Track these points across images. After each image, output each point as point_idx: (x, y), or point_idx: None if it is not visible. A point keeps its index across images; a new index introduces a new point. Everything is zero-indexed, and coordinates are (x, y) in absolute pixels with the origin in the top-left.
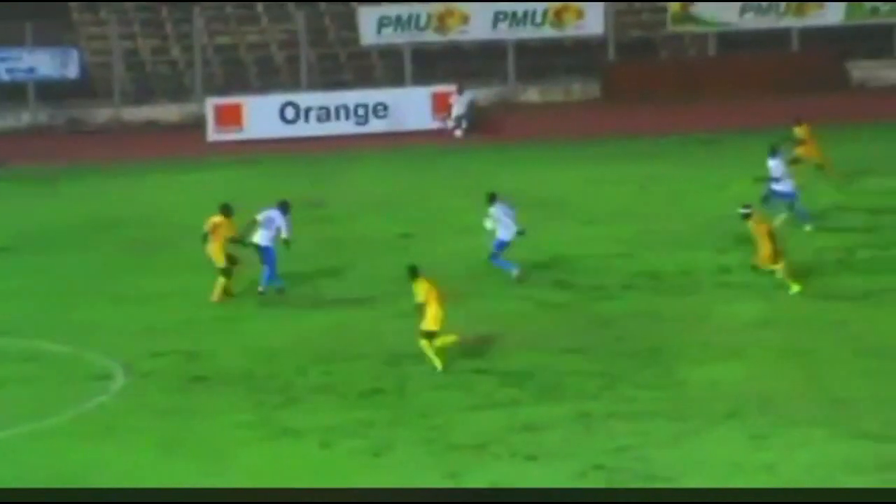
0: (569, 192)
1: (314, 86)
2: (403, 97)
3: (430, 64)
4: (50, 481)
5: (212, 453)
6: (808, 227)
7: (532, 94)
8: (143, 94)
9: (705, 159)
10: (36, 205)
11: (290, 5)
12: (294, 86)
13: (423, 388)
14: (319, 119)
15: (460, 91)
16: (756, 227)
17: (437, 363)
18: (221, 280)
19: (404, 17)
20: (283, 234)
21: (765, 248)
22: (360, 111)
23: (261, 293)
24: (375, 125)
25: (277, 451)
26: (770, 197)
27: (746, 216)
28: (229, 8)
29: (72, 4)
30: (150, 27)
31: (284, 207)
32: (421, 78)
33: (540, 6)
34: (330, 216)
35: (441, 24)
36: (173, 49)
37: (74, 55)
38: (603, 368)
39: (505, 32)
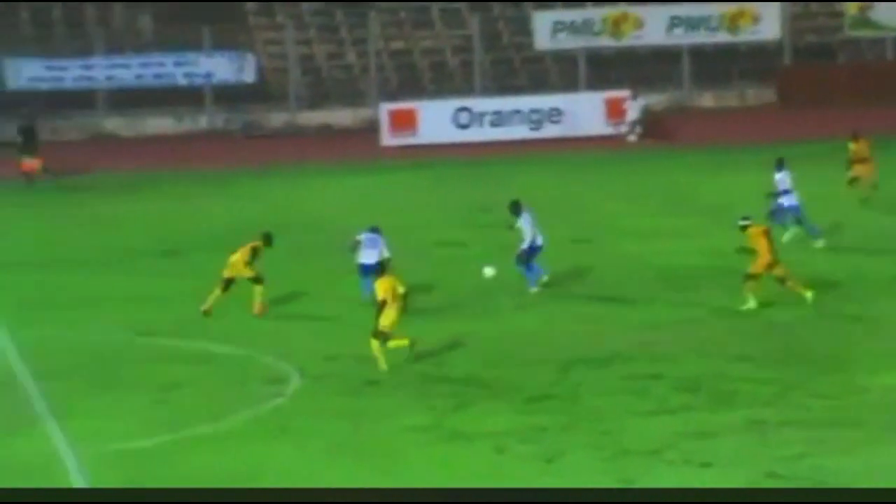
0: (741, 198)
1: (488, 90)
2: (577, 102)
3: (604, 69)
4: (224, 482)
5: (384, 456)
6: (819, 244)
7: (706, 100)
8: (318, 98)
9: (883, 164)
10: (209, 207)
11: (465, 10)
12: (467, 90)
13: (596, 393)
14: (493, 124)
15: (634, 96)
16: (754, 237)
17: (383, 364)
18: (259, 288)
19: (579, 21)
20: (385, 254)
21: (763, 258)
22: (534, 116)
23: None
24: (549, 130)
25: (449, 456)
26: (778, 212)
27: (744, 227)
28: (404, 13)
29: (249, 9)
30: (326, 32)
31: (378, 230)
32: (595, 83)
33: (715, 11)
34: (500, 221)
35: (615, 28)
36: (348, 54)
37: (251, 60)
38: (776, 375)
39: (680, 37)
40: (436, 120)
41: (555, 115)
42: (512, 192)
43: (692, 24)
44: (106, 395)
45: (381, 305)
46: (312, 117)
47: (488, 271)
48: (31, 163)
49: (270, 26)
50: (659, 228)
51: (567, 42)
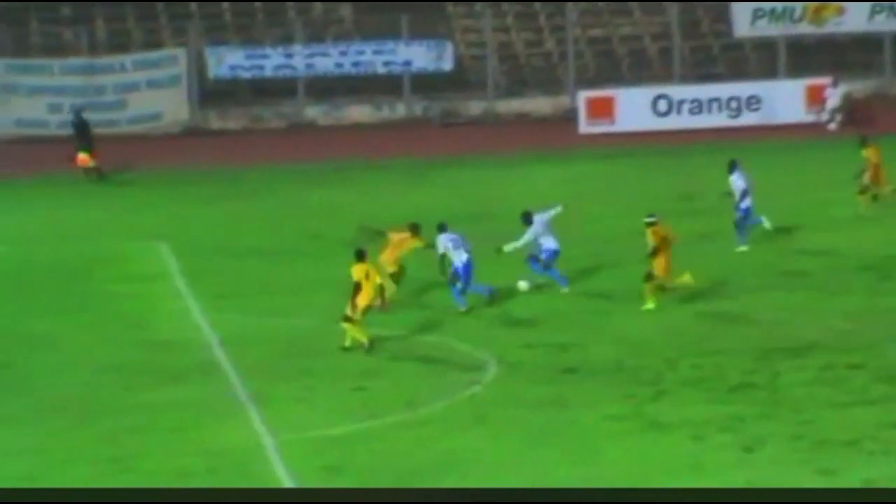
0: None
1: (686, 78)
2: (776, 90)
3: (804, 56)
4: (420, 470)
5: (581, 445)
6: (743, 248)
7: None
8: (516, 86)
9: None
10: (407, 195)
11: None
12: (666, 78)
13: (794, 383)
14: (692, 112)
15: (835, 84)
16: (655, 237)
17: (348, 342)
18: (391, 285)
19: (779, 9)
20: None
21: (662, 260)
22: (733, 104)
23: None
24: (748, 118)
25: (647, 444)
26: (744, 218)
27: (651, 224)
28: (602, 1)
29: None
30: (524, 20)
31: (444, 226)
32: (794, 70)
33: None
34: (700, 209)
35: (816, 15)
36: (547, 41)
37: (449, 48)
38: None
39: (882, 24)
40: (634, 108)
41: (753, 102)
42: (711, 181)
43: (895, 11)
44: (304, 383)
45: (356, 289)
46: (510, 105)
47: (522, 285)
48: (85, 158)
49: (468, 14)
50: (861, 217)
51: (767, 29)
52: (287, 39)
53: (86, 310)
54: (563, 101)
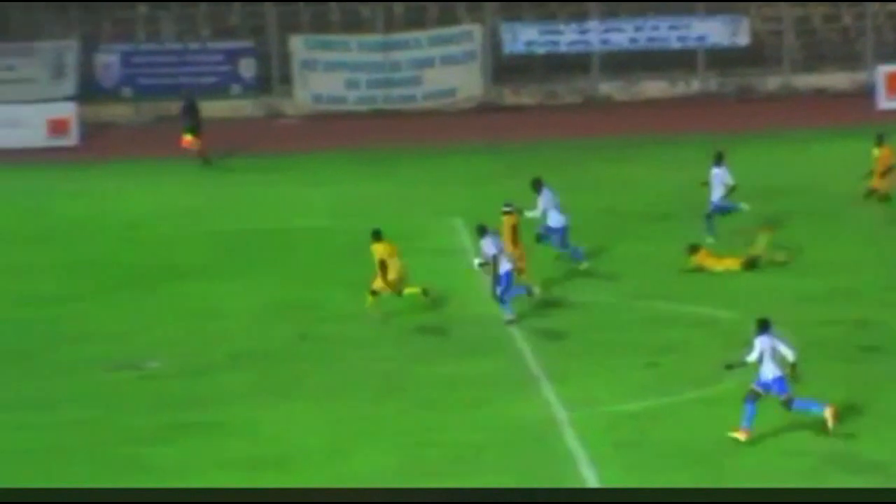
0: None
1: None
2: None
3: None
4: (709, 449)
5: (879, 426)
6: (710, 240)
7: None
8: (813, 61)
9: None
10: (699, 171)
11: None
12: None
13: None
14: None
15: None
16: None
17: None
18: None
19: None
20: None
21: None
22: None
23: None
24: None
25: None
26: (717, 212)
27: (507, 213)
28: None
29: None
30: None
31: (486, 229)
32: None
33: None
34: None
35: None
36: (844, 16)
37: (745, 23)
38: None
39: None
40: None
41: None
42: None
43: None
44: (597, 358)
45: (382, 267)
46: (806, 81)
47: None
48: (190, 139)
49: None
50: None
51: None
52: (582, 15)
53: None
54: (860, 76)
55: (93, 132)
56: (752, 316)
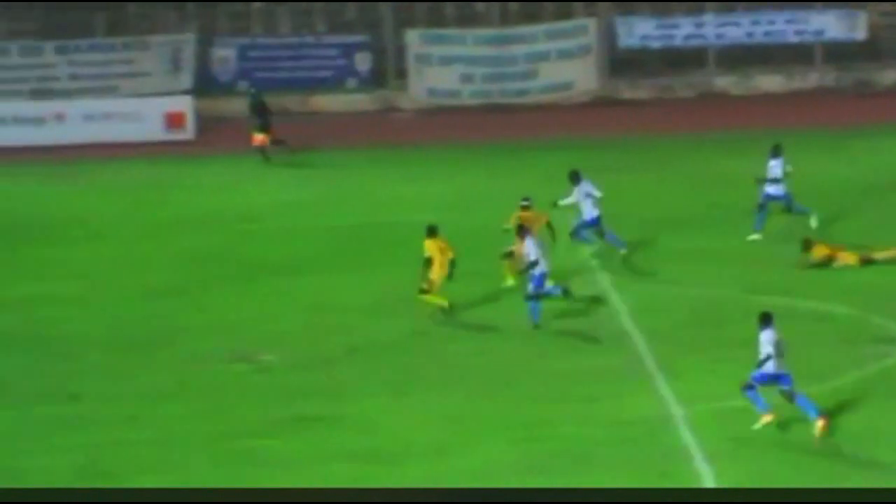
0: None
1: None
2: None
3: None
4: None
5: None
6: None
7: None
8: None
9: None
10: (819, 167)
11: None
12: None
13: None
14: None
15: None
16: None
17: (444, 302)
18: None
19: None
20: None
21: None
22: None
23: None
24: None
25: None
26: (766, 202)
27: (525, 207)
28: None
29: None
30: None
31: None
32: None
33: None
34: None
35: None
36: None
37: (862, 17)
38: None
39: None
40: None
41: None
42: None
43: None
44: (713, 353)
45: (428, 264)
46: None
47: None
48: (261, 137)
49: None
50: None
51: None
52: (698, 9)
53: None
54: None
55: (209, 126)
56: (869, 312)
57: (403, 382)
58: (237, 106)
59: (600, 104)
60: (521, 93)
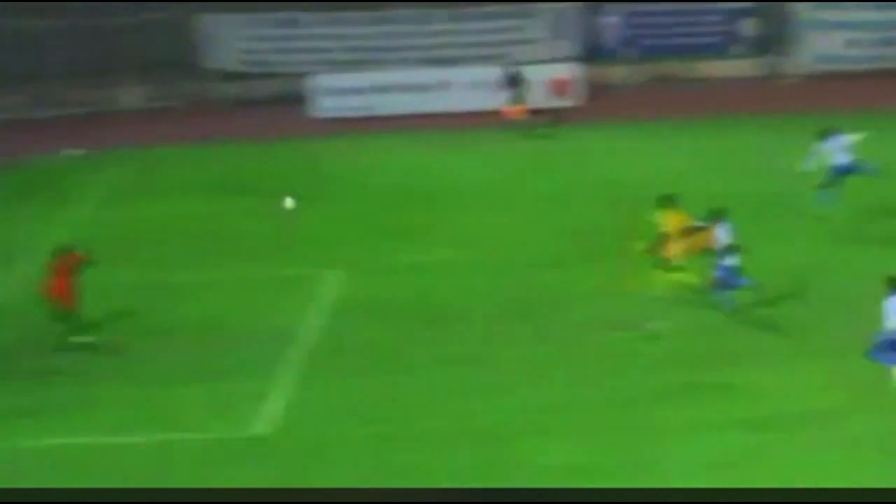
0: None
1: None
2: None
3: None
4: None
5: None
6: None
7: None
8: None
9: None
10: None
11: None
12: None
13: None
14: None
15: None
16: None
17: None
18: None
19: None
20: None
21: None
22: None
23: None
24: None
25: None
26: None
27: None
28: None
29: None
30: None
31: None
32: None
33: None
34: None
35: None
36: None
37: None
38: None
39: None
40: None
41: None
42: None
43: None
44: None
45: (664, 238)
46: None
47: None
48: (512, 109)
49: None
50: None
51: None
52: None
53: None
54: None
55: (596, 93)
56: None
57: (793, 349)
58: (622, 72)
59: None
60: None
